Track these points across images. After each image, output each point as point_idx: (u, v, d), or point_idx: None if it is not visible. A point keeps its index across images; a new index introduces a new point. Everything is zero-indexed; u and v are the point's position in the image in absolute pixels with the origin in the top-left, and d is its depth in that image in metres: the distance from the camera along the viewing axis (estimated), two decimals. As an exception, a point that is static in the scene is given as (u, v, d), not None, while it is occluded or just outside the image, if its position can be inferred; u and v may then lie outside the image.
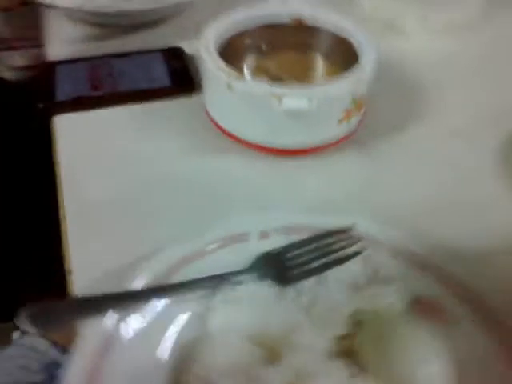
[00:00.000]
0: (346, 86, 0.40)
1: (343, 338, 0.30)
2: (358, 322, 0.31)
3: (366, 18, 0.59)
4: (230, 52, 0.45)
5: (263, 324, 0.30)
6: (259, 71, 0.48)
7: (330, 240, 0.34)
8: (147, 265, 0.32)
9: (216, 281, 0.31)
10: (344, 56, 0.46)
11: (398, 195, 0.41)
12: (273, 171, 0.43)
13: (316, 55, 0.49)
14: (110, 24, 0.57)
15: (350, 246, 0.33)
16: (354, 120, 0.43)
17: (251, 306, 0.31)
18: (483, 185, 0.43)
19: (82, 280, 0.34)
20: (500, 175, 0.43)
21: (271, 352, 0.29)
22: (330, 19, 0.47)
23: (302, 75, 0.48)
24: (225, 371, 0.28)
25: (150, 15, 0.58)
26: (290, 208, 0.39)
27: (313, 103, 0.38)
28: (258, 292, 0.32)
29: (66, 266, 0.36)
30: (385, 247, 0.34)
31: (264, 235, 0.34)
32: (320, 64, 0.49)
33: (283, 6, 0.48)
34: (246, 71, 0.47)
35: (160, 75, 0.51)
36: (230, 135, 0.44)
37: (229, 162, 0.44)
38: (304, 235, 0.34)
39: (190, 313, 0.31)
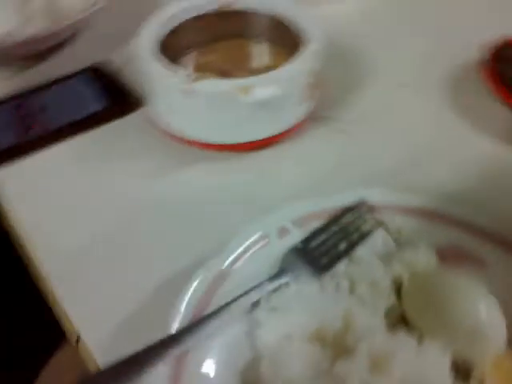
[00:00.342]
0: (307, 62, 0.39)
1: (392, 309, 0.30)
2: (400, 289, 0.31)
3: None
4: (167, 54, 0.42)
5: (316, 321, 0.29)
6: (202, 69, 0.45)
7: (347, 219, 0.33)
8: (177, 300, 0.29)
9: (253, 294, 0.29)
10: (283, 36, 0.45)
11: (376, 158, 0.42)
12: (251, 167, 0.41)
13: (254, 40, 0.48)
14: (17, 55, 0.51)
15: (367, 218, 0.33)
16: (315, 96, 0.43)
17: (298, 308, 0.29)
18: (441, 127, 0.45)
19: (94, 341, 0.31)
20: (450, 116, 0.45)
21: (336, 347, 0.28)
22: (259, 1, 0.46)
23: (247, 63, 0.47)
24: (302, 379, 0.26)
25: (60, 35, 0.52)
26: (287, 198, 0.37)
27: (281, 88, 0.37)
28: (299, 291, 0.30)
29: (70, 334, 0.32)
30: (396, 210, 0.34)
31: (283, 232, 0.33)
32: (260, 48, 0.48)
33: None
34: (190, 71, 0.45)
35: (92, 99, 0.46)
36: (192, 143, 0.41)
37: (199, 171, 0.41)
38: (320, 221, 0.33)
39: (238, 334, 0.29)
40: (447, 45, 0.53)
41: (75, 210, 0.39)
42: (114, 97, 0.46)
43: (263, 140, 0.41)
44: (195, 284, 0.30)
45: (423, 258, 0.32)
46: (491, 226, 0.33)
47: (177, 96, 0.38)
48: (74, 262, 0.35)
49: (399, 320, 0.30)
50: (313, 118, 0.44)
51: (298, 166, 0.42)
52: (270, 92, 0.37)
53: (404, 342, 0.28)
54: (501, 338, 0.28)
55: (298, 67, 0.38)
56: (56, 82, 0.48)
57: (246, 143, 0.41)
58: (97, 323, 0.32)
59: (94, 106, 0.46)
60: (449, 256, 0.32)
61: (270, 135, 0.41)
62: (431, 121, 0.45)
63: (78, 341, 0.31)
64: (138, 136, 0.44)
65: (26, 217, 0.38)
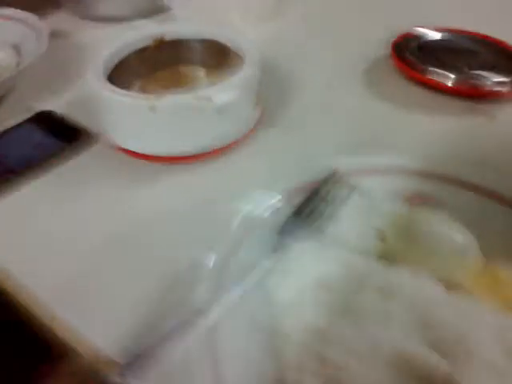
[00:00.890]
0: (252, 68, 0.43)
1: (381, 254, 0.34)
2: (384, 236, 0.35)
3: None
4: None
5: (323, 272, 0.32)
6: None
7: (326, 188, 0.37)
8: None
9: (263, 264, 0.32)
10: (216, 57, 0.50)
11: (326, 144, 0.47)
12: (220, 171, 0.44)
13: (193, 65, 0.52)
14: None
15: (343, 184, 0.38)
16: (261, 101, 0.47)
17: (303, 266, 0.32)
18: (366, 110, 0.52)
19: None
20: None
21: (343, 291, 0.31)
22: (189, 29, 0.50)
23: (190, 86, 0.50)
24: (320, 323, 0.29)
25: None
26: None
27: (238, 92, 0.41)
28: (301, 251, 0.33)
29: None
30: (364, 173, 0.39)
31: (276, 209, 0.36)
32: (200, 71, 0.52)
33: (143, 30, 0.50)
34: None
35: (47, 141, 0.47)
36: (159, 159, 0.43)
37: (171, 184, 0.43)
38: (304, 194, 0.37)
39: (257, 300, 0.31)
40: (359, 45, 0.61)
41: (51, 245, 0.39)
42: (68, 135, 0.47)
43: (227, 145, 0.44)
44: (210, 264, 0.32)
45: (395, 207, 0.36)
46: (444, 171, 0.38)
47: (140, 117, 0.41)
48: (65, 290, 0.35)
49: (390, 260, 0.33)
50: (262, 123, 0.48)
51: (260, 164, 0.45)
52: (229, 96, 0.41)
53: (400, 273, 0.32)
54: (476, 255, 0.33)
55: (248, 73, 0.43)
56: (6, 132, 0.48)
57: (210, 152, 0.44)
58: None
59: (50, 147, 0.46)
60: (415, 202, 0.37)
61: (234, 140, 0.44)
62: (358, 107, 0.52)
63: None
64: (102, 164, 0.45)
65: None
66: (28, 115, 0.50)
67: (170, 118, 0.41)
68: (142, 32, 0.50)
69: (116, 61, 0.47)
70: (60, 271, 0.37)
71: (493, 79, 0.50)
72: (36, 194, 0.43)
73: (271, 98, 0.51)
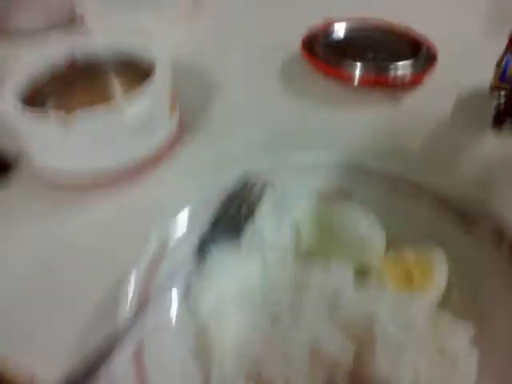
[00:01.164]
0: (162, 74, 0.44)
1: (298, 247, 0.36)
2: (298, 230, 0.37)
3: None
4: (29, 107, 0.44)
5: (242, 277, 0.33)
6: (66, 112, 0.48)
7: (240, 190, 0.39)
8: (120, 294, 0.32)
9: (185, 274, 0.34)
10: (130, 67, 0.50)
11: (243, 145, 0.48)
12: (141, 189, 0.44)
13: (106, 77, 0.52)
14: None
15: (256, 184, 0.39)
16: (177, 107, 0.48)
17: (224, 273, 0.34)
18: (282, 106, 0.54)
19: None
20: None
21: (263, 291, 0.33)
22: (102, 43, 0.51)
23: (106, 98, 0.50)
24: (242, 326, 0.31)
25: None
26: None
27: (148, 99, 0.42)
28: (221, 258, 0.35)
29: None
30: (276, 170, 0.41)
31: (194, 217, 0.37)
32: (114, 83, 0.52)
33: (54, 46, 0.49)
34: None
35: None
36: (80, 185, 0.44)
37: (93, 210, 0.43)
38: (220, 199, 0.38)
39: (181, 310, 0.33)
40: (273, 43, 0.63)
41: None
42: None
43: (147, 159, 0.45)
44: (132, 278, 0.33)
45: (307, 200, 0.39)
46: (355, 163, 0.40)
47: (56, 135, 0.41)
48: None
49: (305, 255, 0.36)
50: (181, 133, 0.49)
51: (186, 172, 0.46)
52: (140, 106, 0.41)
53: (312, 266, 0.34)
54: (382, 241, 0.36)
55: (158, 80, 0.44)
56: None
57: (130, 167, 0.44)
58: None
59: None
60: (326, 194, 0.40)
61: (151, 152, 0.45)
62: (275, 106, 0.54)
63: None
64: (26, 191, 0.45)
65: None
66: None
67: (83, 135, 0.41)
68: (54, 49, 0.49)
69: (28, 81, 0.47)
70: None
71: (397, 66, 0.53)
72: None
73: (189, 103, 0.53)
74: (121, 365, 0.29)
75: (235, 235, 0.36)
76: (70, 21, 0.68)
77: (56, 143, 0.42)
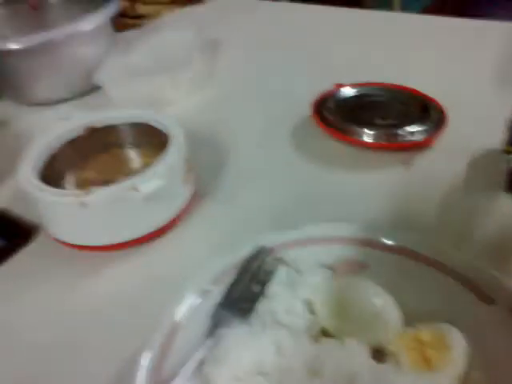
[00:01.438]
0: (177, 150, 0.46)
1: (311, 326, 0.36)
2: (312, 307, 0.37)
3: (122, 104, 0.66)
4: (49, 179, 0.46)
5: (255, 357, 0.33)
6: (84, 184, 0.50)
7: (253, 266, 0.39)
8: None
9: (197, 355, 0.34)
10: (147, 138, 0.52)
11: (258, 212, 0.49)
12: (157, 254, 0.46)
13: (124, 148, 0.54)
14: None
15: (268, 259, 0.40)
16: (191, 178, 0.49)
17: (237, 352, 0.34)
18: (293, 168, 0.55)
19: None
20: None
21: (275, 372, 0.33)
22: (119, 115, 0.53)
23: (124, 169, 0.52)
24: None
25: None
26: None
27: (163, 178, 0.43)
28: (234, 338, 0.35)
29: None
30: (288, 245, 0.41)
31: (205, 292, 0.38)
32: (132, 153, 0.54)
33: (71, 121, 0.52)
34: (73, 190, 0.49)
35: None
36: (97, 248, 0.45)
37: (113, 271, 0.45)
38: (232, 274, 0.39)
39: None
40: (284, 107, 0.65)
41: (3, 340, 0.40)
42: (10, 232, 0.49)
43: (162, 228, 0.46)
44: (144, 362, 0.33)
45: (321, 277, 0.38)
46: (367, 236, 0.41)
47: (72, 213, 0.42)
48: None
49: (319, 334, 0.36)
50: (196, 199, 0.50)
51: (198, 241, 0.47)
52: (154, 185, 0.43)
53: (327, 347, 0.34)
54: (397, 319, 0.35)
55: (172, 158, 0.45)
56: None
57: (148, 234, 0.46)
58: None
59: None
60: (338, 268, 0.40)
61: (166, 222, 0.46)
62: (286, 171, 0.55)
63: None
64: (46, 257, 0.47)
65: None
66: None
67: (100, 212, 0.43)
68: (72, 122, 0.52)
69: (48, 154, 0.49)
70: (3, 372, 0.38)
71: (405, 129, 0.54)
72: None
73: (203, 169, 0.54)
74: None
75: (247, 313, 0.36)
76: (91, 90, 0.72)
77: (72, 220, 0.44)
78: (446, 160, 0.53)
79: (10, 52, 0.65)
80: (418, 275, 0.38)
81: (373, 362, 0.33)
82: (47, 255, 0.47)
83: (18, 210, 0.52)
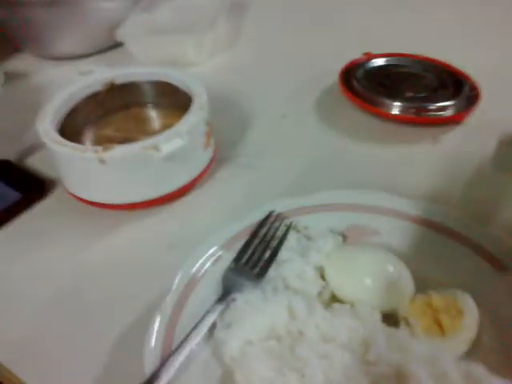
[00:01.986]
0: (199, 111, 0.45)
1: (322, 291, 0.36)
2: (323, 273, 0.37)
3: (144, 62, 0.65)
4: (68, 133, 0.45)
5: (267, 321, 0.33)
6: (102, 141, 0.49)
7: (264, 231, 0.39)
8: (142, 344, 0.32)
9: (208, 319, 0.33)
10: (169, 98, 0.51)
11: (278, 178, 0.48)
12: (174, 216, 0.45)
13: (145, 107, 0.53)
14: None
15: (279, 225, 0.40)
16: (212, 142, 0.48)
17: (249, 316, 0.33)
18: (319, 140, 0.53)
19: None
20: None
21: (289, 336, 0.33)
22: (141, 72, 0.51)
23: (144, 128, 0.51)
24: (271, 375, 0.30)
25: None
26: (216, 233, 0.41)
27: (184, 138, 0.42)
28: (245, 302, 0.35)
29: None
30: (299, 211, 0.41)
31: (214, 258, 0.37)
32: (152, 113, 0.53)
33: (93, 75, 0.51)
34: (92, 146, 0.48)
35: (6, 192, 0.47)
36: (114, 207, 0.44)
37: (129, 230, 0.44)
38: (243, 239, 0.39)
39: (206, 357, 0.33)
40: (310, 75, 0.63)
41: (17, 294, 0.40)
42: (27, 185, 0.48)
43: (179, 190, 0.45)
44: (156, 326, 0.33)
45: (331, 243, 0.38)
46: (378, 203, 0.40)
47: (93, 168, 0.42)
48: (29, 345, 0.36)
49: (330, 300, 0.35)
50: (215, 162, 0.49)
51: (215, 204, 0.46)
52: (176, 144, 0.42)
53: (339, 312, 0.33)
54: (409, 285, 0.35)
55: (194, 119, 0.44)
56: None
57: (165, 195, 0.45)
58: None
59: (10, 198, 0.47)
60: (350, 235, 0.39)
61: (184, 184, 0.45)
62: (310, 141, 0.53)
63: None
64: (61, 213, 0.46)
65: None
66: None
67: (119, 169, 0.42)
68: (92, 77, 0.50)
69: (67, 108, 0.48)
70: (14, 326, 0.38)
71: (436, 104, 0.52)
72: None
73: (225, 133, 0.53)
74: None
75: (258, 278, 0.36)
76: (113, 46, 0.70)
77: (90, 176, 0.43)
78: (475, 138, 0.51)
79: (33, 3, 0.63)
80: (430, 243, 0.38)
81: (386, 327, 0.32)
82: (62, 211, 0.46)
83: (36, 164, 0.51)
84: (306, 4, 0.81)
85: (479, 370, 0.29)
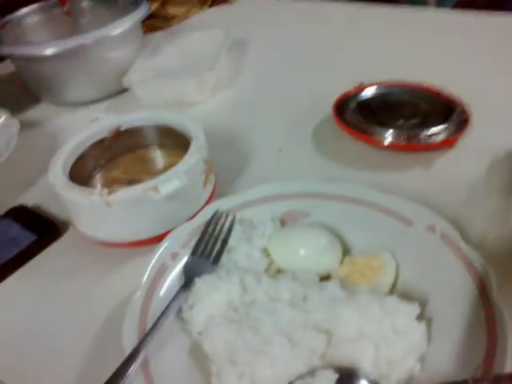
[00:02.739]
0: (197, 152, 0.48)
1: (268, 267, 0.43)
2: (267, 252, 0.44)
3: (148, 105, 0.69)
4: (78, 178, 0.49)
5: (224, 297, 0.39)
6: (110, 183, 0.52)
7: (213, 226, 0.45)
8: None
9: (174, 305, 0.39)
10: (171, 139, 0.54)
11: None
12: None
13: (149, 149, 0.56)
14: None
15: (225, 220, 0.46)
16: (212, 178, 0.51)
17: (208, 296, 0.39)
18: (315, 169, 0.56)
19: None
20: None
21: (243, 305, 0.39)
22: (144, 117, 0.55)
23: (150, 169, 0.55)
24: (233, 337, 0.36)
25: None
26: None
27: (182, 179, 0.45)
28: (204, 284, 0.40)
29: None
30: (241, 206, 0.47)
31: (174, 255, 0.43)
32: (156, 154, 0.56)
33: (99, 123, 0.54)
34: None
35: (22, 235, 0.51)
36: (121, 245, 0.47)
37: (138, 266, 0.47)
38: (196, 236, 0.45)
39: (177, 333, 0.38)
40: (306, 108, 0.66)
41: (33, 329, 0.43)
42: (41, 228, 0.52)
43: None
44: (130, 313, 0.38)
45: (271, 227, 0.45)
46: (305, 190, 0.47)
47: (99, 210, 0.45)
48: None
49: (276, 272, 0.43)
50: (217, 196, 0.52)
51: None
52: (174, 186, 0.45)
53: (283, 277, 0.40)
54: (338, 251, 0.42)
55: (192, 160, 0.47)
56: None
57: (166, 233, 0.47)
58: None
59: (26, 240, 0.50)
60: (287, 219, 0.46)
61: (186, 220, 0.48)
62: (307, 172, 0.56)
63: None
64: (71, 253, 0.50)
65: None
66: (3, 210, 0.55)
67: (123, 210, 0.45)
68: (100, 124, 0.54)
69: (77, 154, 0.52)
70: (31, 362, 0.40)
71: (427, 130, 0.54)
72: (11, 287, 0.48)
73: (225, 168, 0.55)
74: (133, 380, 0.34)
75: (213, 266, 0.42)
76: (120, 92, 0.75)
77: (97, 217, 0.46)
78: (467, 161, 0.53)
79: (45, 57, 0.68)
80: (352, 215, 0.44)
81: (320, 283, 0.39)
82: (73, 251, 0.49)
83: (50, 207, 0.55)
84: (304, 40, 0.85)
85: (392, 299, 0.36)
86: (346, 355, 0.33)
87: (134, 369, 0.34)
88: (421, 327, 0.34)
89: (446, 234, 0.40)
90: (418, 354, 0.33)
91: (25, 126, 0.69)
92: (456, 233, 0.40)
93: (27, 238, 0.51)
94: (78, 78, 0.72)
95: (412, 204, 0.43)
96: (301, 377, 0.32)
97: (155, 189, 0.44)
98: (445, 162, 0.54)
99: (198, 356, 0.37)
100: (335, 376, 0.31)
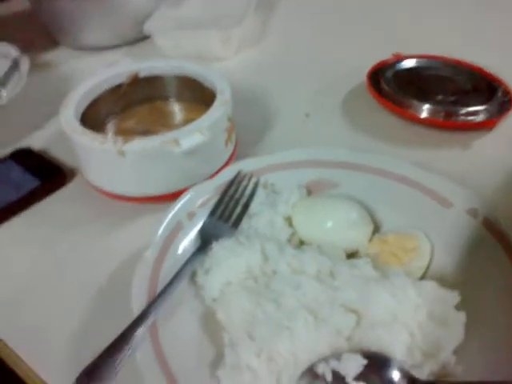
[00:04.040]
0: (222, 107, 0.44)
1: (290, 237, 0.39)
2: (290, 221, 0.40)
3: (171, 56, 0.64)
4: (89, 124, 0.45)
5: (243, 264, 0.36)
6: (123, 133, 0.48)
7: (234, 188, 0.41)
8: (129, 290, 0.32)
9: (189, 267, 0.36)
10: (192, 92, 0.50)
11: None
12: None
13: (167, 100, 0.52)
14: None
15: (248, 183, 0.42)
16: (233, 138, 0.47)
17: (225, 261, 0.36)
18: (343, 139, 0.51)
19: None
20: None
21: (264, 275, 0.36)
22: (165, 65, 0.51)
23: (166, 122, 0.51)
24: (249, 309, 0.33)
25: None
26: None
27: (205, 134, 0.41)
28: (222, 249, 0.37)
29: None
30: (265, 170, 0.43)
31: (191, 215, 0.39)
32: (174, 107, 0.52)
33: (116, 68, 0.50)
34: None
35: (25, 179, 0.48)
36: (130, 199, 0.44)
37: (145, 223, 0.43)
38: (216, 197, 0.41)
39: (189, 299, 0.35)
40: (337, 74, 0.61)
41: (33, 283, 0.40)
42: (46, 173, 0.48)
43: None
44: (140, 272, 0.34)
45: (297, 195, 0.41)
46: (335, 159, 0.43)
47: (110, 160, 0.41)
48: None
49: (299, 245, 0.39)
50: (236, 159, 0.48)
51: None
52: (196, 140, 0.41)
53: (308, 249, 0.37)
54: (368, 227, 0.39)
55: (216, 114, 0.43)
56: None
57: (182, 191, 0.44)
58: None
59: (29, 184, 0.47)
60: (313, 189, 0.42)
61: (200, 181, 0.44)
62: (335, 140, 0.52)
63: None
64: (77, 203, 0.46)
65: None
66: (7, 152, 0.51)
67: (138, 162, 0.41)
68: (117, 69, 0.50)
69: (90, 99, 0.48)
70: (31, 319, 0.38)
71: (466, 108, 0.50)
72: (10, 234, 0.44)
73: (247, 130, 0.52)
74: (140, 344, 0.30)
75: (233, 230, 0.39)
76: (140, 39, 0.70)
77: (109, 166, 0.43)
78: (506, 145, 0.49)
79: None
80: (384, 189, 0.41)
81: (348, 260, 0.36)
82: (80, 201, 0.46)
83: (57, 153, 0.52)
84: (336, 3, 0.80)
85: (430, 284, 0.33)
86: (376, 340, 0.30)
87: (141, 332, 0.30)
88: (460, 317, 0.31)
89: (489, 219, 0.36)
90: (454, 345, 0.30)
91: (37, 66, 0.65)
92: (500, 220, 0.36)
93: (30, 182, 0.47)
94: (97, 19, 0.67)
95: (453, 185, 0.39)
96: (325, 359, 0.29)
97: (176, 142, 0.40)
98: (483, 143, 0.50)
99: (210, 324, 0.34)
100: (364, 361, 0.28)
